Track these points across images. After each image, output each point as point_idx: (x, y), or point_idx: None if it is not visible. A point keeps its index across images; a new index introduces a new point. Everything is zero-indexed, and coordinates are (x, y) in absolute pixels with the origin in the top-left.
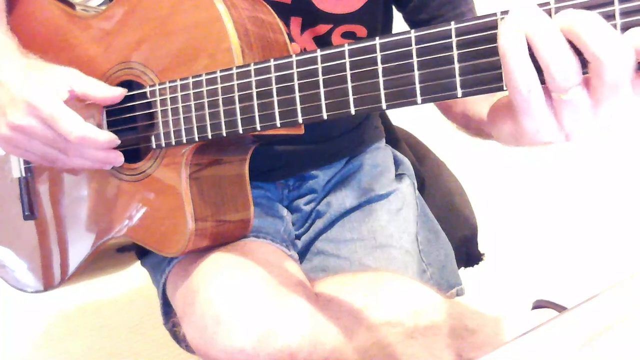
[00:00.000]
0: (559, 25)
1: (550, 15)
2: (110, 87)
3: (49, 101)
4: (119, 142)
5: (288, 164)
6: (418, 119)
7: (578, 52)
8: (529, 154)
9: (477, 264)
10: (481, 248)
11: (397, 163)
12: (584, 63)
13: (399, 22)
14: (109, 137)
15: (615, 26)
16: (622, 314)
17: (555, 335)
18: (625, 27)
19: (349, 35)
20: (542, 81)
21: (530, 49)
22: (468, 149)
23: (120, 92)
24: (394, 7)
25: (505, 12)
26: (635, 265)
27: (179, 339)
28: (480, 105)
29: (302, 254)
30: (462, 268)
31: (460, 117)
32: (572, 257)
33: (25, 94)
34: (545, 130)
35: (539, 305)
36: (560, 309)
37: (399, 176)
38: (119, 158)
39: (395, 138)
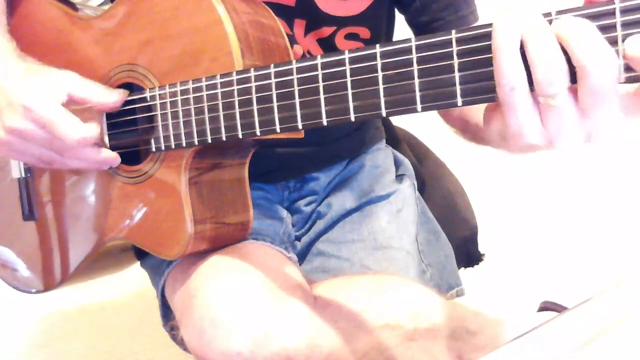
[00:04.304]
0: (554, 30)
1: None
2: (110, 91)
3: (46, 105)
4: (119, 161)
5: (289, 166)
6: (418, 120)
7: (570, 61)
8: (528, 155)
9: (477, 264)
10: (481, 248)
11: (397, 164)
12: (574, 72)
13: (402, 24)
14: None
15: (615, 38)
16: (622, 314)
17: (555, 335)
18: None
19: (353, 37)
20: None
21: (523, 50)
22: (468, 149)
23: (119, 97)
24: (396, 9)
25: None
26: (635, 265)
27: (178, 341)
28: (477, 109)
29: (303, 255)
30: (462, 269)
31: (458, 121)
32: (572, 257)
33: (22, 98)
34: (528, 130)
35: (544, 307)
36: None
37: (399, 177)
38: (116, 159)
39: (396, 139)
